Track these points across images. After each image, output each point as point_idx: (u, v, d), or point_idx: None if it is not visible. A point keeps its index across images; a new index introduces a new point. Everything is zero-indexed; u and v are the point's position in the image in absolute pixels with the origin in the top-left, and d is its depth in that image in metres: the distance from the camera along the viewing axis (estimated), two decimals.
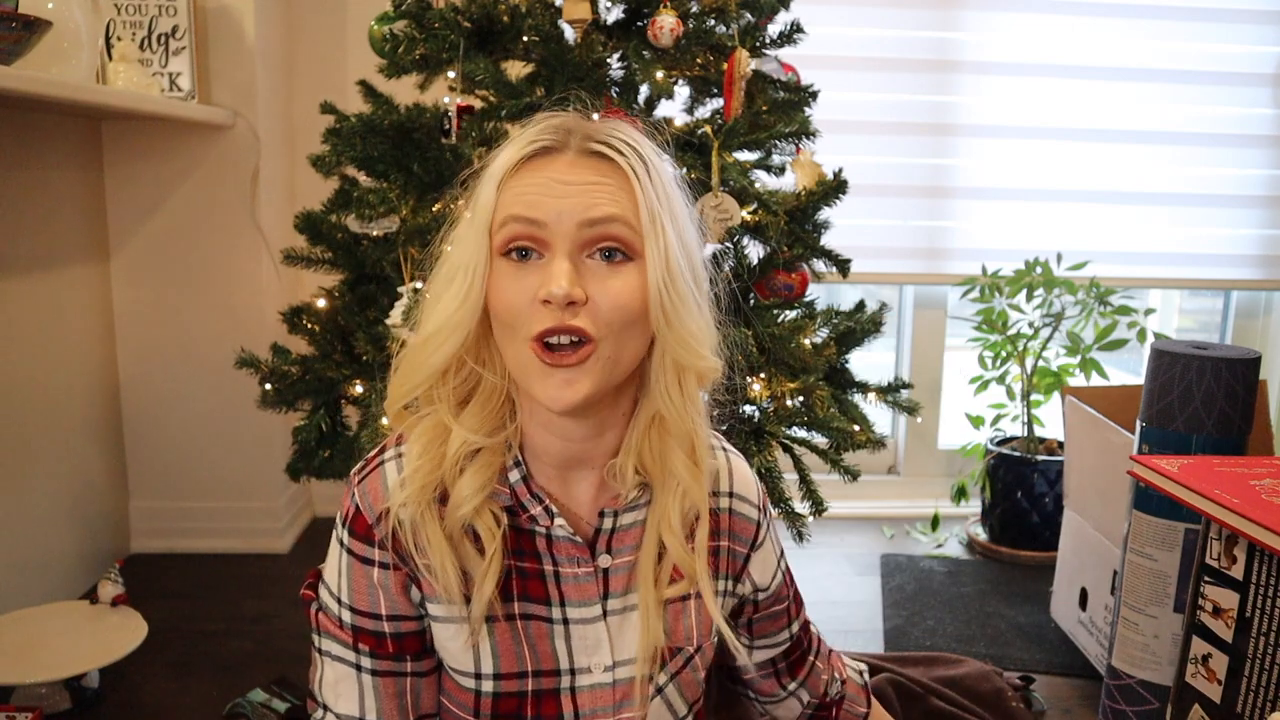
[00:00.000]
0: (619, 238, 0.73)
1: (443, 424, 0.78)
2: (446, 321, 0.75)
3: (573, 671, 0.82)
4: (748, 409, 1.50)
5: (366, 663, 0.80)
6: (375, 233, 1.50)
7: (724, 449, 0.91)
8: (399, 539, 0.77)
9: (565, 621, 0.82)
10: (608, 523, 0.83)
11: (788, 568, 0.98)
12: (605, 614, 0.83)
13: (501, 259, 0.74)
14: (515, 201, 0.74)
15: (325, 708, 0.81)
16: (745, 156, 1.58)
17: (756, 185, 1.54)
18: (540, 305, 0.72)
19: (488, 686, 0.80)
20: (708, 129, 1.50)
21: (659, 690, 0.84)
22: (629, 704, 0.83)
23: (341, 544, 0.79)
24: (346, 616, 0.80)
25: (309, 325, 1.61)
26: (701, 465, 0.82)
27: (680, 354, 0.77)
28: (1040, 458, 2.24)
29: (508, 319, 0.74)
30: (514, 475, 0.81)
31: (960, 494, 2.43)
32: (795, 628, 0.99)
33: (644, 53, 1.48)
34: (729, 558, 0.89)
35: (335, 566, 0.80)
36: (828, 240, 1.59)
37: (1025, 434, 2.34)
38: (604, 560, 0.83)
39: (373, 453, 0.82)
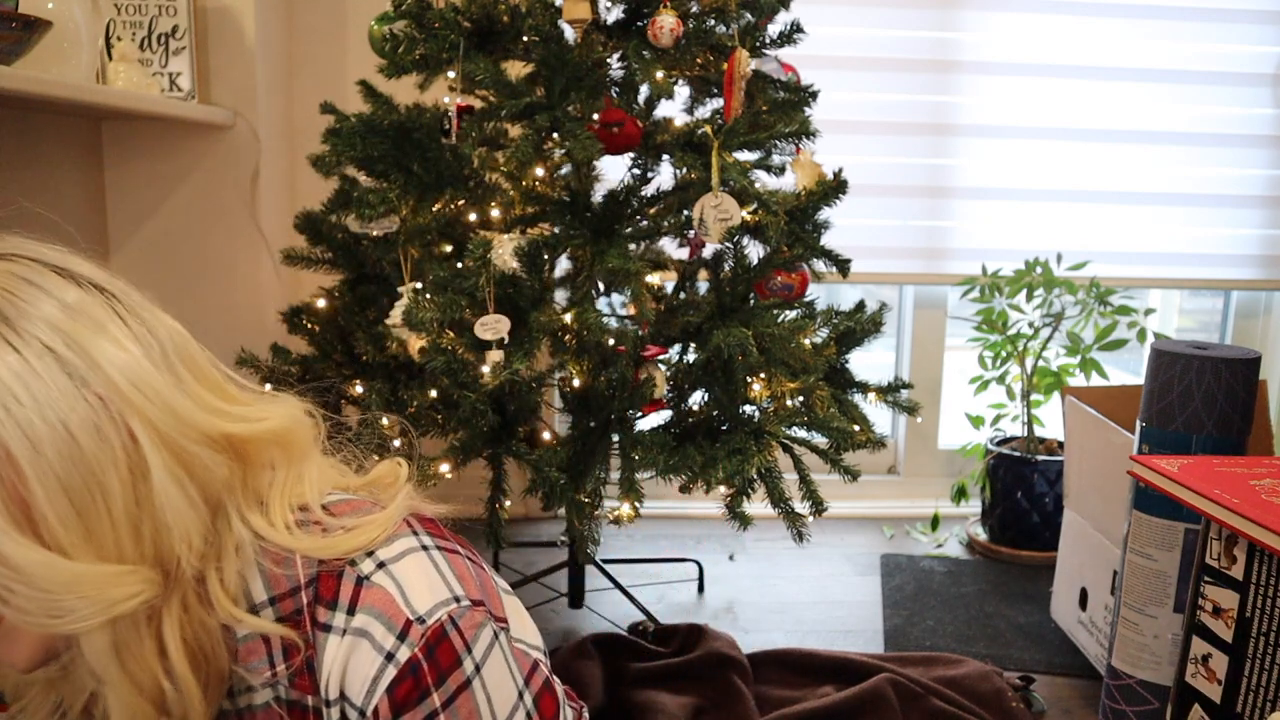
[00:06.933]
0: None
1: None
2: None
3: None
4: (748, 409, 1.51)
5: None
6: (375, 233, 1.50)
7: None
8: None
9: None
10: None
11: None
12: None
13: None
14: None
15: None
16: (745, 156, 1.58)
17: (756, 185, 1.54)
18: None
19: None
20: (708, 129, 1.50)
21: None
22: None
23: None
24: None
25: (309, 325, 1.61)
26: None
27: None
28: (1040, 458, 2.24)
29: None
30: None
31: (960, 494, 2.43)
32: None
33: (644, 53, 1.48)
34: None
35: None
36: (828, 240, 1.59)
37: (1025, 434, 2.34)
38: None
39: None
